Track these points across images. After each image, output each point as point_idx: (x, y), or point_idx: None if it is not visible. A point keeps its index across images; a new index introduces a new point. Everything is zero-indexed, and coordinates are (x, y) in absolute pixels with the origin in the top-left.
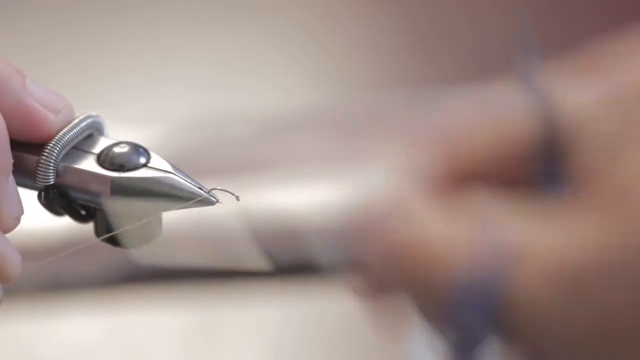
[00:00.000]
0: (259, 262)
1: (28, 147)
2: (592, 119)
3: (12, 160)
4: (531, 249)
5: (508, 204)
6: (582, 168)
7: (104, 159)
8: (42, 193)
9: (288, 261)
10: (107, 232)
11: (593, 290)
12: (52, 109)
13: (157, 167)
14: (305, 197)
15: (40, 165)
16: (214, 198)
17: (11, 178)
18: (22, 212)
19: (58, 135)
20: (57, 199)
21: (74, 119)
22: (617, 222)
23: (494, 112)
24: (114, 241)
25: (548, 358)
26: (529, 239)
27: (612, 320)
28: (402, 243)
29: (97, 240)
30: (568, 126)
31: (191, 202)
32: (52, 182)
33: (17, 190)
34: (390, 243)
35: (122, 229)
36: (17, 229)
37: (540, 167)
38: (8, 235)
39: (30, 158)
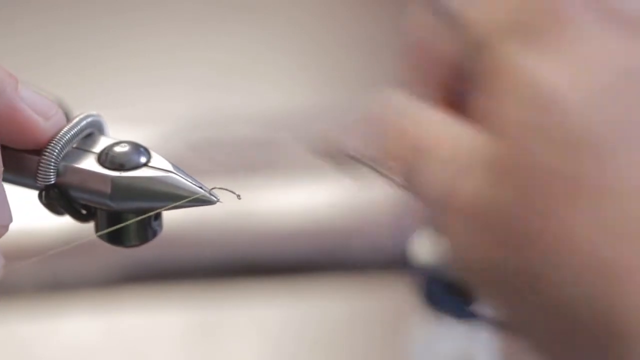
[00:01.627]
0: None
1: None
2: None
3: (2, 168)
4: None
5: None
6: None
7: (104, 158)
8: (43, 192)
9: (289, 261)
10: (108, 232)
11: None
12: (42, 114)
13: (158, 167)
14: (305, 197)
15: (41, 164)
16: (215, 197)
17: (0, 186)
18: (10, 220)
19: (59, 135)
20: (57, 198)
21: (74, 119)
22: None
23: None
24: (114, 240)
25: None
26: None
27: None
28: (406, 129)
29: (96, 236)
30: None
31: (192, 201)
32: (52, 182)
33: (6, 198)
34: (396, 127)
35: (121, 225)
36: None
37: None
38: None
39: (31, 158)
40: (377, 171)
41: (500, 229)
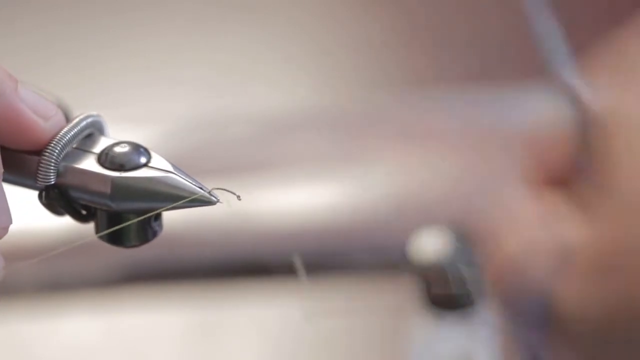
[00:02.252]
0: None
1: None
2: (620, 116)
3: (2, 170)
4: (576, 251)
5: (568, 204)
6: (610, 166)
7: (104, 159)
8: (43, 193)
9: (289, 261)
10: (108, 232)
11: (606, 278)
12: (42, 115)
13: (158, 167)
14: (305, 197)
15: (41, 165)
16: (215, 198)
17: (0, 188)
18: (10, 222)
19: (59, 135)
20: (57, 198)
21: (74, 119)
22: (622, 223)
23: (549, 121)
24: (114, 240)
25: (585, 348)
26: (575, 240)
27: (621, 300)
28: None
29: (96, 237)
30: (600, 126)
31: (192, 201)
32: (52, 182)
33: (6, 201)
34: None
35: (121, 225)
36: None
37: (581, 167)
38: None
39: (31, 158)
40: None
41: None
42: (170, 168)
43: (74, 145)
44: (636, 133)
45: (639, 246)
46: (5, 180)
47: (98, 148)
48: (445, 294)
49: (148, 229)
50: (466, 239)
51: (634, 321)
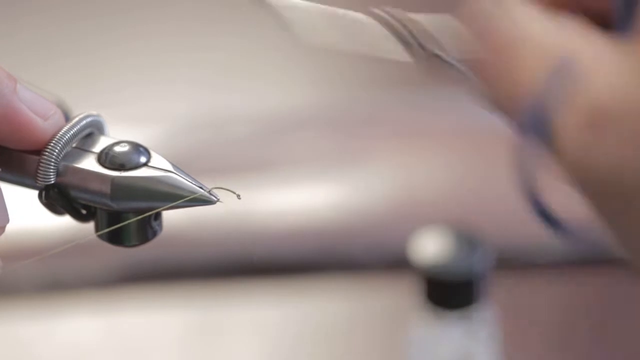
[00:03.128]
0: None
1: None
2: None
3: (0, 169)
4: (590, 79)
5: (591, 30)
6: None
7: (104, 158)
8: (43, 192)
9: (289, 261)
10: (108, 232)
11: (622, 128)
12: (41, 115)
13: (158, 167)
14: (305, 197)
15: (41, 164)
16: (215, 197)
17: None
18: (7, 222)
19: (59, 135)
20: (57, 198)
21: (74, 118)
22: None
23: None
24: (114, 239)
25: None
26: (591, 68)
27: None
28: (493, 30)
29: (95, 235)
30: None
31: (192, 200)
32: (52, 182)
33: (3, 200)
34: (482, 28)
35: (121, 224)
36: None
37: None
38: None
39: (31, 157)
40: (463, 74)
41: None
42: (170, 167)
43: (74, 145)
44: None
45: None
46: (4, 179)
47: (98, 147)
48: (445, 293)
49: (148, 229)
50: (466, 239)
51: None
